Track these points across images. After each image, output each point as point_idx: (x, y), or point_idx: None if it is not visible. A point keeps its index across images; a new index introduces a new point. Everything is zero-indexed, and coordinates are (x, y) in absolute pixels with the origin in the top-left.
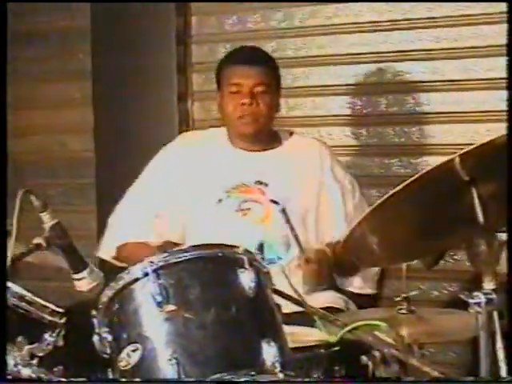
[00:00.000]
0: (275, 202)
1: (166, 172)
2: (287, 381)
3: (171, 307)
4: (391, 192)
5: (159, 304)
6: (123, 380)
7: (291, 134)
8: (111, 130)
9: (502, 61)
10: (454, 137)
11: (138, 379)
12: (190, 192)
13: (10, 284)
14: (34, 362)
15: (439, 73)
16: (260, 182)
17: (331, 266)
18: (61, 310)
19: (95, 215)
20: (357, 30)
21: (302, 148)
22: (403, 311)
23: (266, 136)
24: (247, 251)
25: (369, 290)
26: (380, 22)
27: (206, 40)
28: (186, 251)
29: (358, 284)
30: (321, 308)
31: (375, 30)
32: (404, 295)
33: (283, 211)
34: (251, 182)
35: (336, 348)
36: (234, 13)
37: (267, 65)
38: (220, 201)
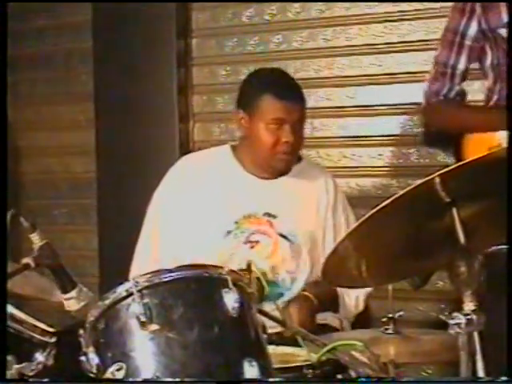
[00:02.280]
0: (283, 237)
1: (172, 206)
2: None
3: (155, 327)
4: (372, 211)
5: (143, 323)
6: (128, 380)
7: (299, 159)
8: (113, 151)
9: None
10: None
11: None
12: (198, 223)
13: None
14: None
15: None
16: (269, 214)
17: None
18: (51, 330)
19: (97, 235)
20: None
21: (310, 177)
22: (389, 331)
23: None
24: (232, 271)
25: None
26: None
27: (207, 62)
28: (170, 271)
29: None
30: (317, 325)
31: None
32: (390, 315)
33: None
34: (260, 214)
35: (325, 368)
36: (234, 35)
37: (304, 97)
38: (229, 232)
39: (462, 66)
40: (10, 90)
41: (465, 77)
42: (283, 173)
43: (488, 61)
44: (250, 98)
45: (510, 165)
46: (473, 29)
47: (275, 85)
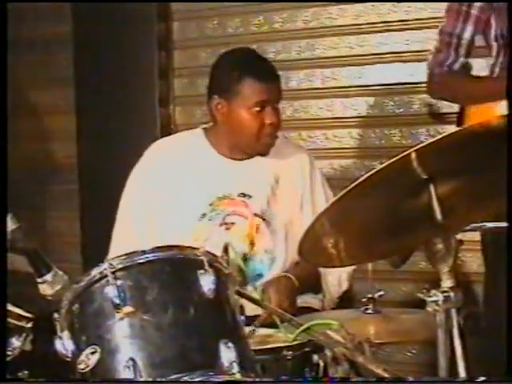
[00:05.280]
0: (259, 216)
1: (145, 191)
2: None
3: (129, 309)
4: (348, 188)
5: (117, 306)
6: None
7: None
8: (94, 136)
9: None
10: None
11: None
12: (173, 207)
13: None
14: None
15: None
16: (244, 195)
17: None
18: (28, 315)
19: (79, 221)
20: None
21: (285, 154)
22: (369, 311)
23: None
24: (208, 253)
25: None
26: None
27: (188, 45)
28: (144, 253)
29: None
30: (298, 307)
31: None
32: (369, 295)
33: None
34: (235, 194)
35: (305, 349)
36: (215, 18)
37: (280, 77)
38: (204, 215)
39: (467, 35)
40: None
41: (470, 50)
42: (263, 155)
43: (492, 33)
44: (227, 83)
45: (509, 159)
46: None
47: (254, 67)
